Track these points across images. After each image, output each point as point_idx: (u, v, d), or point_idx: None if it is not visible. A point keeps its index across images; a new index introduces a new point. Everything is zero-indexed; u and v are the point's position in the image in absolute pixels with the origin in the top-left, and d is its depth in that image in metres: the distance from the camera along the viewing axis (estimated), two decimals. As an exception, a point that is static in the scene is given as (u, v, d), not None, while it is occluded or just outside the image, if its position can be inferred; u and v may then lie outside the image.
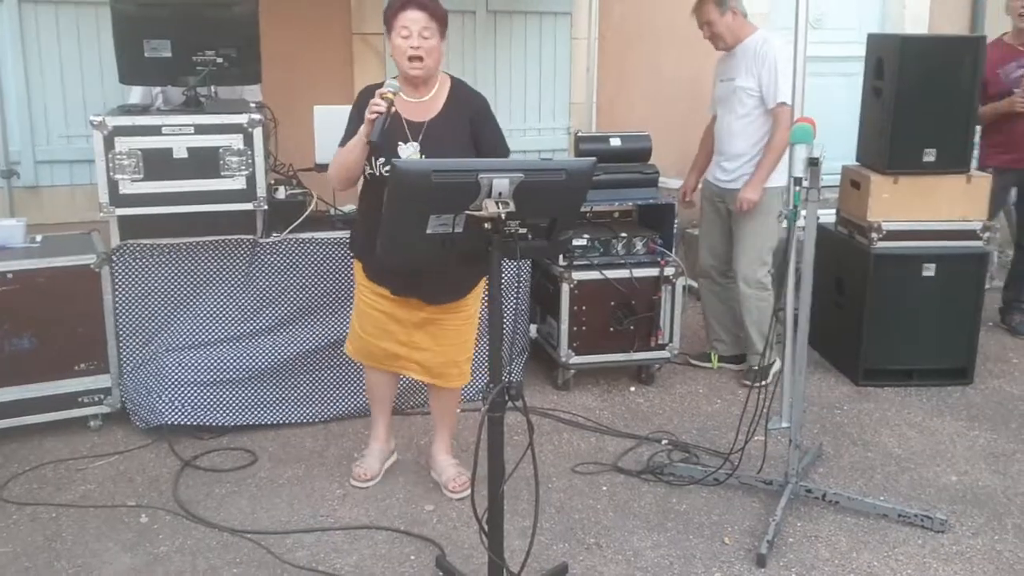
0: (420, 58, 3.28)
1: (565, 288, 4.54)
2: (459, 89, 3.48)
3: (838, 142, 4.69)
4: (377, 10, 5.81)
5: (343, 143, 3.39)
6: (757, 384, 3.87)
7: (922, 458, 4.07)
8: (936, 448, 4.16)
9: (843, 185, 5.02)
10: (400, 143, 3.35)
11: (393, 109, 3.17)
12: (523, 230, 2.66)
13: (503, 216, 2.59)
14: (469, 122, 3.41)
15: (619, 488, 3.78)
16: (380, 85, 3.42)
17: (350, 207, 4.51)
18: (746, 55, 4.65)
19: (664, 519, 3.55)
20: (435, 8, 3.30)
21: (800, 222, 3.47)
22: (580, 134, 5.09)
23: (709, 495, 3.72)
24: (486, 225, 2.61)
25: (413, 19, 3.26)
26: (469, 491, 3.54)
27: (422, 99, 3.38)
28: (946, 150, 4.65)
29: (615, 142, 4.87)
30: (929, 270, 4.70)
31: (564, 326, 4.58)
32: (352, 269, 3.69)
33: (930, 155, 4.65)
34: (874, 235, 4.69)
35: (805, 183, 3.34)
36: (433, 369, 3.60)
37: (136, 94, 4.47)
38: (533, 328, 4.82)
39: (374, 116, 3.15)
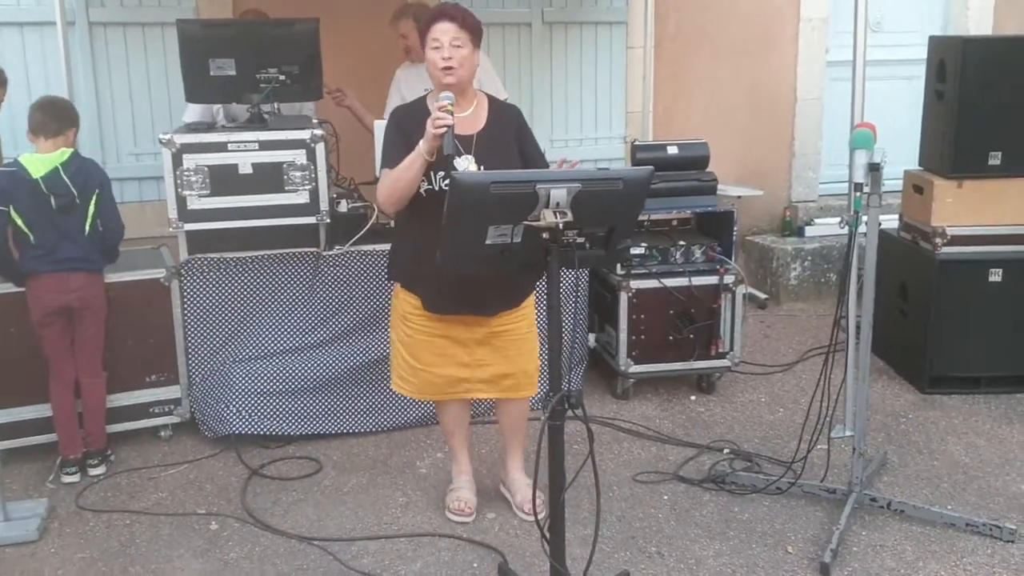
0: (451, 68, 3.22)
1: (623, 297, 4.54)
2: (496, 103, 3.48)
3: (899, 146, 4.63)
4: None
5: (389, 165, 3.28)
6: None
7: (991, 467, 3.99)
8: (1005, 456, 4.08)
9: (905, 190, 4.96)
10: (455, 156, 3.35)
11: (453, 121, 3.13)
12: (581, 239, 2.68)
13: (561, 226, 2.61)
14: (515, 132, 3.42)
15: (680, 497, 3.77)
16: (413, 106, 3.41)
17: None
18: None
19: (726, 528, 3.54)
20: (465, 18, 3.27)
21: (861, 228, 3.44)
22: (637, 143, 5.10)
23: (772, 504, 3.69)
24: (544, 235, 2.64)
25: (443, 30, 3.23)
26: (544, 513, 3.17)
27: (464, 113, 3.33)
28: (1012, 153, 4.57)
29: (672, 150, 4.88)
30: (996, 275, 4.62)
31: (623, 335, 4.58)
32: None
33: (995, 158, 4.58)
34: (938, 240, 4.62)
35: (866, 189, 3.31)
36: (501, 383, 3.49)
37: (194, 112, 4.55)
38: (591, 337, 4.82)
39: (443, 130, 3.08)
